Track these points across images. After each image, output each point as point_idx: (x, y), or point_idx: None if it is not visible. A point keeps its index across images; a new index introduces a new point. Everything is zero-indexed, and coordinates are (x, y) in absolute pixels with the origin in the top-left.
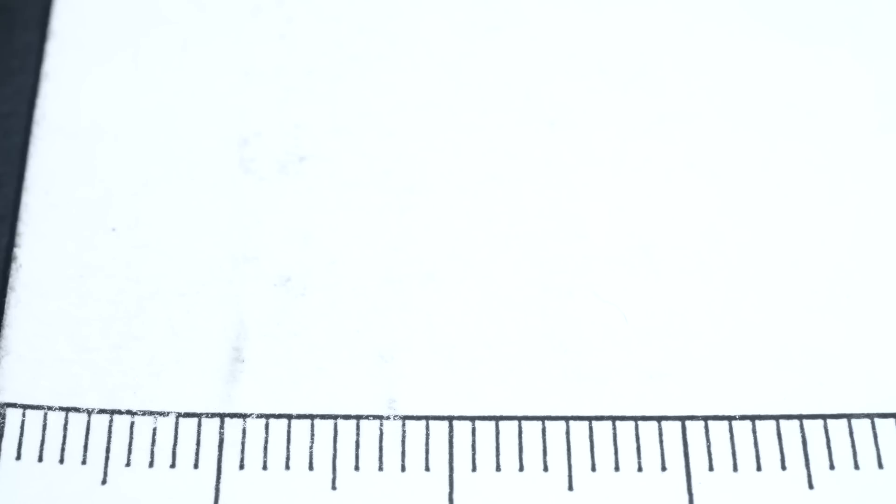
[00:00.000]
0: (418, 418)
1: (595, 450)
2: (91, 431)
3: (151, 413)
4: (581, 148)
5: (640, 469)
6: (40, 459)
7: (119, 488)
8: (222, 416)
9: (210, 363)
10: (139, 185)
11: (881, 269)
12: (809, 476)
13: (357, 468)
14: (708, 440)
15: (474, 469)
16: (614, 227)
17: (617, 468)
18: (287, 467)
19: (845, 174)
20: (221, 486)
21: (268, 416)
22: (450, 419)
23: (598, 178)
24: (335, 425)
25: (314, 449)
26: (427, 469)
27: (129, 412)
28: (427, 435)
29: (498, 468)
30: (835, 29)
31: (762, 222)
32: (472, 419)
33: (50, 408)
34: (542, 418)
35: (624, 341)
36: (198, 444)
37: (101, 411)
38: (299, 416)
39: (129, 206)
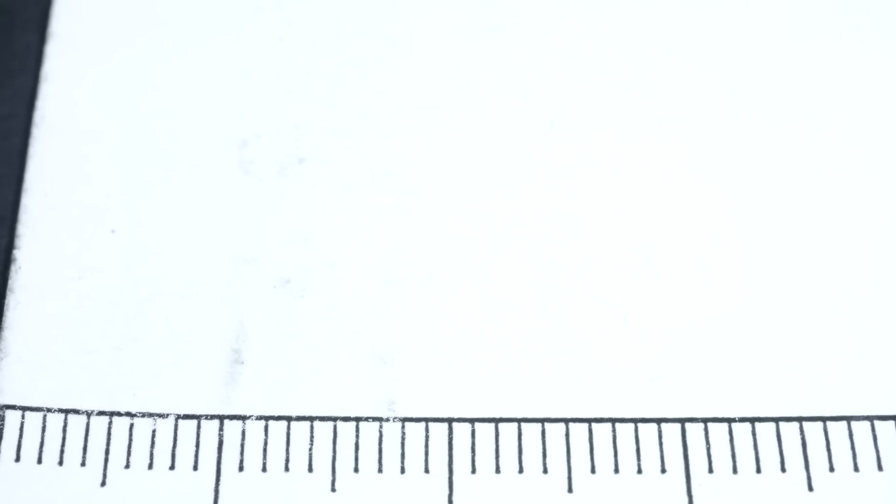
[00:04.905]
0: (418, 420)
1: (594, 452)
2: (90, 433)
3: (151, 415)
4: (580, 150)
5: (639, 471)
6: (39, 461)
7: (118, 490)
8: (221, 417)
9: (209, 365)
10: (138, 186)
11: (881, 271)
12: (809, 478)
13: (356, 470)
14: (707, 442)
15: (474, 471)
16: (614, 228)
17: (616, 470)
18: (286, 469)
19: (844, 176)
20: (221, 488)
21: (267, 418)
22: (449, 421)
23: (598, 180)
24: (335, 427)
25: (314, 451)
26: (426, 471)
27: (128, 414)
28: (426, 437)
29: (497, 470)
30: (835, 30)
31: (761, 224)
32: (472, 421)
33: (49, 409)
34: (542, 420)
35: (623, 343)
36: (197, 445)
37: (101, 413)
38: (299, 418)
39: (128, 207)
